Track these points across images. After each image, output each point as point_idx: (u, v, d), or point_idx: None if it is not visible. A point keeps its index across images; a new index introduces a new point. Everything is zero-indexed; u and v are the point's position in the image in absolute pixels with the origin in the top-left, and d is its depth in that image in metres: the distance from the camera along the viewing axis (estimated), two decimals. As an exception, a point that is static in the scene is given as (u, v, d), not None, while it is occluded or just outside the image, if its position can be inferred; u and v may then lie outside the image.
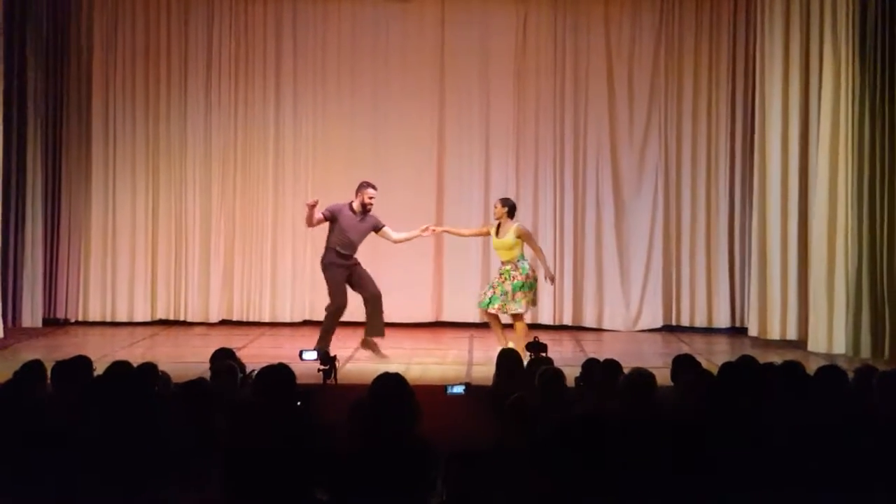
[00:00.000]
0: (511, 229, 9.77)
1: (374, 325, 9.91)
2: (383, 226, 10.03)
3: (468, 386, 6.38)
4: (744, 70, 12.27)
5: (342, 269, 9.88)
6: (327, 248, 9.93)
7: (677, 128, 12.48)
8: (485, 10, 12.57)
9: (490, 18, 12.59)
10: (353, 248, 9.91)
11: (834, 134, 10.69)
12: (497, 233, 9.90)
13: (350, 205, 9.93)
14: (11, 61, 11.58)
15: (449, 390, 6.28)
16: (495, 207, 10.04)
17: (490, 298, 9.80)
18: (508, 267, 9.77)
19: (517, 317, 9.85)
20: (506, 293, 9.72)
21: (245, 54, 12.59)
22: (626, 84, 12.51)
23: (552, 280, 10.04)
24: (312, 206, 9.82)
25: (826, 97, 10.77)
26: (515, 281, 9.70)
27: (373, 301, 9.89)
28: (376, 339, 9.88)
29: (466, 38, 12.57)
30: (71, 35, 12.34)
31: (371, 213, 9.91)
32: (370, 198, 9.88)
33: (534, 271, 9.82)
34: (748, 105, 12.20)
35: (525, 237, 9.85)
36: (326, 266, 9.93)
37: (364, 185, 9.96)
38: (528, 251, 9.92)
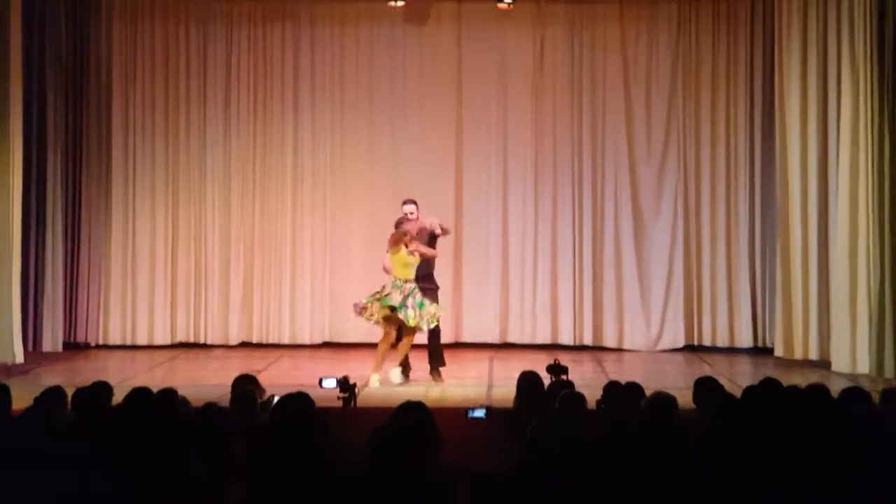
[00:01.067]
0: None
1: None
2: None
3: (489, 409, 6.34)
4: (761, 86, 12.22)
5: None
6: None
7: (696, 145, 12.44)
8: (501, 31, 12.57)
9: (507, 39, 12.60)
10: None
11: (854, 152, 10.62)
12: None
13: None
14: (31, 82, 11.65)
15: (470, 414, 6.24)
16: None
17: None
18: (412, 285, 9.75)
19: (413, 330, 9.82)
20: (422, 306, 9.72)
21: (263, 75, 12.63)
22: (643, 102, 12.49)
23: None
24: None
25: (845, 114, 10.72)
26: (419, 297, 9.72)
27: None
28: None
29: (483, 59, 12.58)
30: (90, 57, 12.41)
31: (418, 223, 9.95)
32: (409, 213, 9.99)
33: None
34: (766, 122, 12.15)
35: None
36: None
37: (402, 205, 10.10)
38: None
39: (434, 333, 10.05)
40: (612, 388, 6.15)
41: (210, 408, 5.18)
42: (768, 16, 11.99)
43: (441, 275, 12.11)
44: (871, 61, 10.46)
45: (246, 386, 6.11)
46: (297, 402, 4.95)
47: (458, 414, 6.86)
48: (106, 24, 12.47)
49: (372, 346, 10.94)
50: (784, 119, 11.47)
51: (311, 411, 4.92)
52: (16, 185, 10.88)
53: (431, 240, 10.05)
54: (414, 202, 10.15)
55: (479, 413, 6.20)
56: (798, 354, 11.28)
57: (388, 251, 9.87)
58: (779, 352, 11.41)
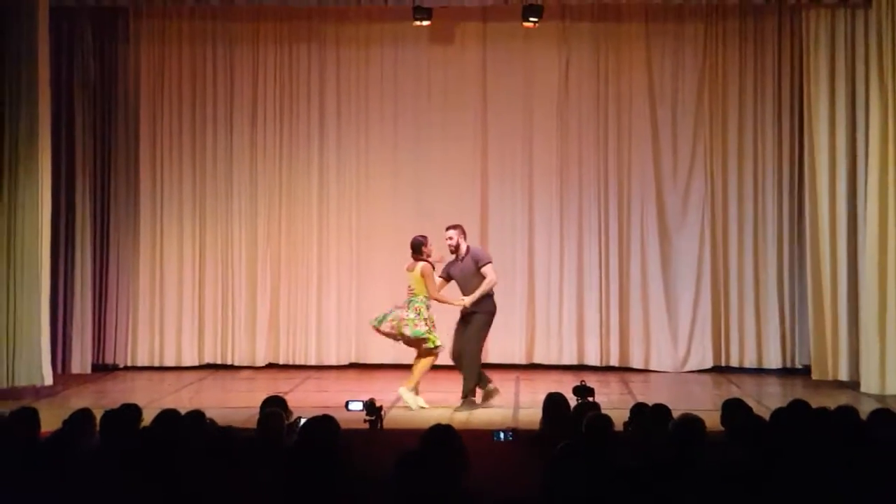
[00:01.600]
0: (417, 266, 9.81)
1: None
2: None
3: (516, 431, 6.32)
4: (789, 105, 12.16)
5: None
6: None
7: (722, 165, 12.39)
8: (527, 50, 12.59)
9: (532, 58, 12.61)
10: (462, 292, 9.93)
11: (883, 170, 10.59)
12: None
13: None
14: (60, 106, 11.78)
15: (496, 437, 6.24)
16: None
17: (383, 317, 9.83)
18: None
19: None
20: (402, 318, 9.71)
21: (289, 96, 12.70)
22: (669, 121, 12.46)
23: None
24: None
25: (873, 132, 10.68)
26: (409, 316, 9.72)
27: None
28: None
29: (508, 79, 12.60)
30: (118, 81, 12.52)
31: (458, 252, 9.92)
32: (447, 239, 9.95)
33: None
34: (794, 140, 12.10)
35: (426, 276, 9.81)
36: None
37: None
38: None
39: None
40: (639, 409, 6.12)
41: (229, 432, 5.18)
42: (796, 32, 11.92)
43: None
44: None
45: (272, 408, 6.11)
46: (323, 425, 4.95)
47: (485, 436, 6.85)
48: (134, 47, 12.58)
49: (398, 367, 10.95)
50: (812, 138, 11.41)
51: (336, 435, 4.91)
52: (45, 208, 10.97)
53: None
54: (454, 227, 10.06)
55: (507, 436, 6.20)
56: (828, 375, 11.19)
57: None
58: (817, 374, 11.27)
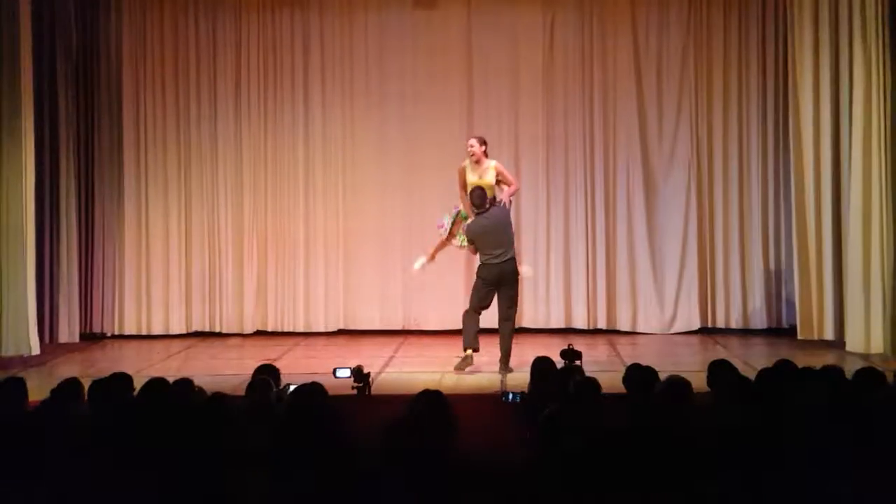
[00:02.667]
0: (490, 167, 9.79)
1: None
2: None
3: (524, 394, 6.38)
4: (774, 66, 12.16)
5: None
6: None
7: (708, 124, 12.38)
8: (511, 13, 12.52)
9: (517, 21, 12.55)
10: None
11: (867, 132, 10.57)
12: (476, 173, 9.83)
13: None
14: (42, 75, 11.68)
15: (505, 398, 6.35)
16: (472, 147, 9.90)
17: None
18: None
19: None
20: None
21: (273, 64, 12.62)
22: (654, 84, 12.43)
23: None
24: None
25: (857, 95, 10.66)
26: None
27: None
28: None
29: (493, 41, 12.54)
30: (101, 48, 12.44)
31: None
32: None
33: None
34: (779, 102, 12.10)
35: (501, 174, 9.85)
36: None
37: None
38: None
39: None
40: (633, 370, 6.13)
41: (217, 397, 5.19)
42: (780, -4, 11.96)
43: (454, 260, 12.18)
44: (884, 40, 10.42)
45: (261, 375, 6.12)
46: (311, 392, 4.97)
47: (472, 401, 6.90)
48: (115, 17, 12.48)
49: (386, 333, 10.98)
50: (797, 100, 11.40)
51: (324, 402, 4.93)
52: (29, 179, 10.94)
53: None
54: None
55: (515, 397, 6.30)
56: (814, 335, 11.25)
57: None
58: (801, 333, 11.32)
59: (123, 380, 6.05)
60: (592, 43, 12.48)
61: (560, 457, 4.04)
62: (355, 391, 6.92)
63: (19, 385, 6.03)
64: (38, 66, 11.49)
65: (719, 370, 5.99)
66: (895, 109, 10.28)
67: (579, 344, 8.14)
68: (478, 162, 9.79)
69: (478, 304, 9.76)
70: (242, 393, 5.92)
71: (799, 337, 11.30)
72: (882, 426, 4.67)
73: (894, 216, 10.30)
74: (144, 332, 12.45)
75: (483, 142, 9.91)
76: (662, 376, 5.71)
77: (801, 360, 6.95)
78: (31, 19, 11.11)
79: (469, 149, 9.89)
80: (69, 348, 11.65)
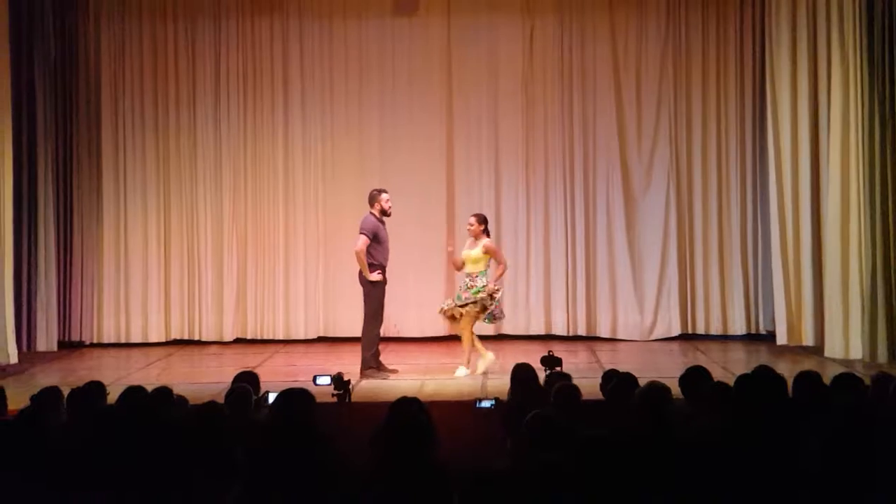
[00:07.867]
0: (481, 244, 9.85)
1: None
2: None
3: (498, 400, 6.37)
4: (752, 72, 12.24)
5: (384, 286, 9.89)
6: (376, 266, 9.82)
7: (686, 133, 12.44)
8: (491, 22, 12.56)
9: (496, 30, 12.59)
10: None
11: (844, 139, 10.63)
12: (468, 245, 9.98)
13: (372, 216, 9.89)
14: (20, 81, 11.64)
15: (478, 404, 6.33)
16: (471, 225, 10.00)
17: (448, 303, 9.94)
18: (467, 279, 9.85)
19: (457, 327, 9.85)
20: (460, 298, 9.79)
21: (252, 70, 12.61)
22: (633, 91, 12.49)
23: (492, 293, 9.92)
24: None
25: (835, 101, 10.72)
26: (472, 289, 9.75)
27: None
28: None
29: (473, 50, 12.57)
30: (78, 55, 12.41)
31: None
32: (388, 202, 9.93)
33: (494, 288, 9.81)
34: (757, 108, 12.17)
35: (491, 252, 9.90)
36: (377, 285, 9.83)
37: (377, 193, 10.02)
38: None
39: None
40: (610, 376, 6.15)
41: (209, 406, 5.17)
42: (757, 5, 12.01)
43: (434, 267, 12.21)
44: (861, 46, 10.47)
45: (240, 383, 6.10)
46: (298, 398, 4.93)
47: (452, 407, 6.89)
48: (94, 21, 12.47)
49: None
50: (775, 106, 11.47)
51: (311, 409, 4.90)
52: (6, 185, 10.89)
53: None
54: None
55: (488, 404, 6.28)
56: (793, 341, 11.30)
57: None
58: (784, 339, 11.36)
59: (97, 388, 6.02)
60: (572, 51, 12.52)
61: (540, 464, 4.04)
62: (335, 399, 6.91)
63: (-2, 394, 6.00)
64: (15, 72, 11.45)
65: (694, 378, 5.97)
66: (872, 118, 10.33)
67: (559, 351, 8.15)
68: (476, 238, 9.90)
69: None
70: (222, 401, 5.90)
71: (778, 343, 11.36)
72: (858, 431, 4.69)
73: (872, 224, 10.35)
74: (123, 340, 12.40)
75: (482, 220, 10.01)
76: (642, 382, 5.72)
77: (780, 366, 7.02)
78: (9, 26, 11.06)
79: (468, 227, 10.01)
80: (47, 356, 11.59)
